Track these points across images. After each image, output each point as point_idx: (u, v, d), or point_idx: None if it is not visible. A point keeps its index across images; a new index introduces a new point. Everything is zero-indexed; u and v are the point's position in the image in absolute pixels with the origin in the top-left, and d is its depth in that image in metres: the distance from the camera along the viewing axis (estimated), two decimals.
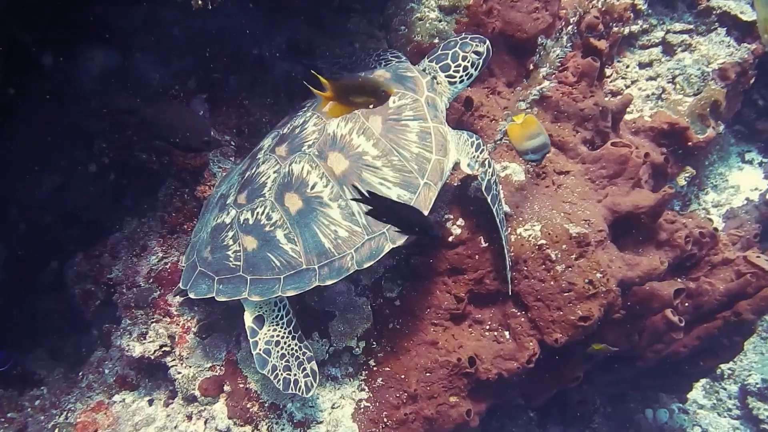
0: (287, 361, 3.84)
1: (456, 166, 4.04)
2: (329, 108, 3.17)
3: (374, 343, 4.34)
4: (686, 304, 5.24)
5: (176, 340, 4.37)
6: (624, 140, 4.84)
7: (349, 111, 3.28)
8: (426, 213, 3.72)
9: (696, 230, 5.18)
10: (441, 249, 4.34)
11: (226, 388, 4.22)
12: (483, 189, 3.96)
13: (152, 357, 4.36)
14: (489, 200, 3.95)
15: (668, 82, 5.89)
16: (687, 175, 5.73)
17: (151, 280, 4.67)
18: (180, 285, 3.99)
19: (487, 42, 4.14)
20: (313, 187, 3.72)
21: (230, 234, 3.85)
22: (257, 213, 3.79)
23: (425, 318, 4.38)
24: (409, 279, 4.42)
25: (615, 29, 4.80)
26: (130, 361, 4.48)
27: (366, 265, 3.69)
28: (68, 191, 5.25)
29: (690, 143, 5.45)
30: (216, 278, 3.82)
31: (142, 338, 4.40)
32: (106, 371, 4.78)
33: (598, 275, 4.18)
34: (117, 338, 4.48)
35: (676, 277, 5.33)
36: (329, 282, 3.69)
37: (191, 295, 3.88)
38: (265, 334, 3.85)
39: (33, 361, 5.65)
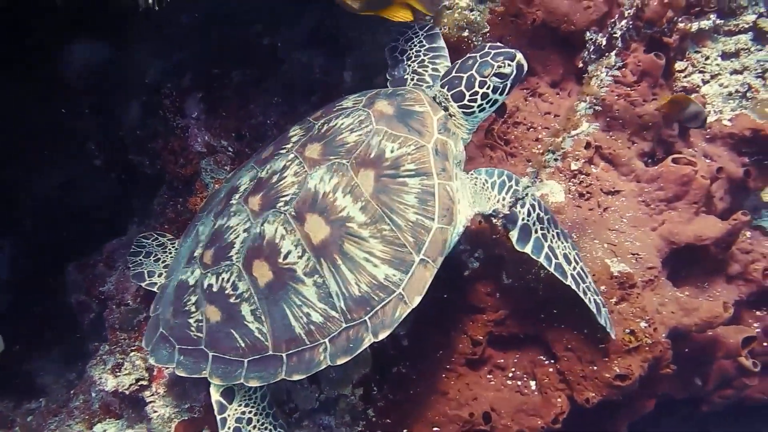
0: None
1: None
2: None
3: (375, 389, 3.92)
4: (764, 344, 4.62)
5: (154, 373, 4.09)
6: (687, 155, 4.18)
7: None
8: (419, 299, 3.17)
9: None
10: (457, 283, 3.86)
11: None
12: (515, 239, 3.36)
13: (127, 392, 4.10)
14: (530, 248, 3.37)
15: (757, 77, 5.10)
16: None
17: (138, 300, 4.46)
18: (143, 343, 3.62)
19: (518, 58, 3.39)
20: (285, 257, 3.20)
21: (193, 299, 3.45)
22: (222, 279, 3.34)
23: (436, 362, 3.94)
24: (420, 315, 3.95)
25: (681, 25, 4.07)
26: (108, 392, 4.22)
27: (339, 362, 3.17)
28: (72, 189, 5.06)
29: None
30: (177, 347, 3.43)
31: (116, 370, 4.16)
32: (93, 394, 4.56)
33: (643, 324, 3.65)
34: (91, 368, 4.26)
35: (755, 309, 4.69)
36: (297, 377, 3.21)
37: (152, 362, 3.51)
38: (235, 410, 3.43)
39: (47, 363, 5.56)
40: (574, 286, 3.38)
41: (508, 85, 3.42)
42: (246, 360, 3.26)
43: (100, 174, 4.75)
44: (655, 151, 4.30)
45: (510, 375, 3.96)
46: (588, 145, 4.09)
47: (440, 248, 3.20)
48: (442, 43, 4.04)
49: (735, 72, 5.14)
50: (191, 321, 3.42)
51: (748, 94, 5.02)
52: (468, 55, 3.47)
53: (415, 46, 4.06)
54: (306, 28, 4.62)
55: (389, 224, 3.14)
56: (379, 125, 3.31)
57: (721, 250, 4.18)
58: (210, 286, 3.36)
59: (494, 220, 3.41)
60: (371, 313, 3.15)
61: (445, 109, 3.47)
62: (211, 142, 4.29)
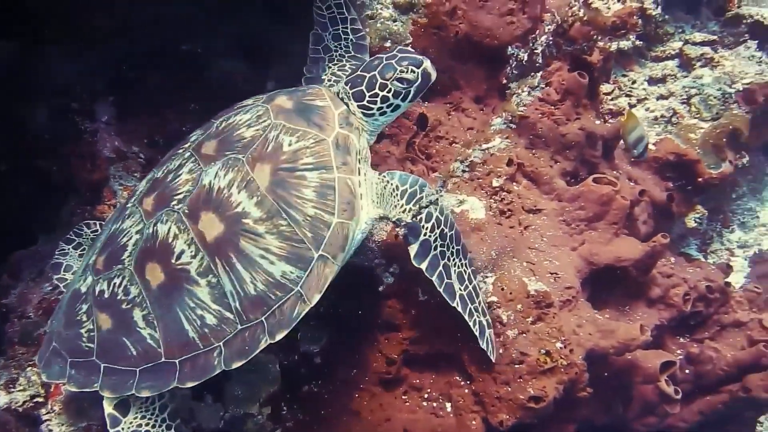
0: None
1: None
2: None
3: (284, 408, 3.75)
4: (687, 371, 4.59)
5: (51, 390, 3.83)
6: (610, 175, 4.14)
7: None
8: (318, 297, 3.03)
9: (702, 283, 4.51)
10: (372, 299, 3.72)
11: None
12: (413, 254, 3.25)
13: (20, 409, 3.83)
14: (425, 265, 3.27)
15: (682, 103, 5.15)
16: (698, 215, 5.00)
17: (40, 312, 4.18)
18: (36, 359, 3.42)
19: (425, 65, 3.29)
20: (178, 257, 3.03)
21: (84, 307, 3.26)
22: (114, 284, 3.16)
23: (349, 381, 3.80)
24: (335, 332, 3.81)
25: (601, 43, 4.06)
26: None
27: (234, 365, 3.03)
28: None
29: (700, 179, 4.71)
30: (69, 360, 3.23)
31: (10, 385, 3.88)
32: None
33: (558, 345, 3.56)
34: None
35: (679, 336, 4.66)
36: (190, 384, 3.05)
37: (44, 378, 3.32)
38: (131, 423, 3.21)
39: None
40: (460, 308, 3.34)
41: (411, 92, 3.33)
42: (138, 369, 3.08)
43: (6, 180, 4.50)
44: (578, 171, 4.26)
45: (426, 396, 3.82)
46: (510, 162, 4.02)
47: (341, 244, 3.07)
48: (367, 57, 3.95)
49: (661, 97, 5.20)
50: (83, 331, 3.22)
51: (673, 119, 5.07)
52: (377, 55, 3.39)
53: (341, 48, 3.99)
54: (229, 36, 4.51)
55: (286, 219, 3.00)
56: (278, 119, 3.17)
57: (641, 272, 4.14)
58: (101, 292, 3.18)
59: (398, 230, 3.30)
60: (268, 313, 3.01)
61: (347, 106, 3.36)
62: (122, 147, 4.12)
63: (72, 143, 4.14)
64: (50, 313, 4.10)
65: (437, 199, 3.25)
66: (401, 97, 3.32)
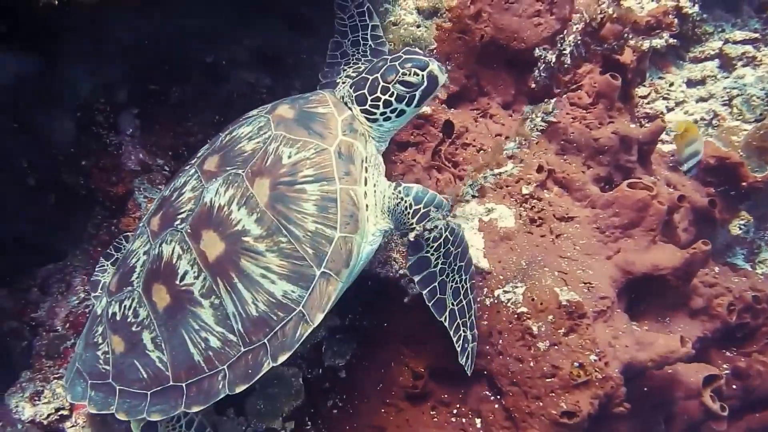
0: None
1: None
2: None
3: (309, 423, 3.66)
4: (734, 386, 4.36)
5: (75, 403, 3.79)
6: (646, 180, 3.96)
7: None
8: (321, 316, 2.89)
9: (749, 293, 4.29)
10: (397, 311, 3.62)
11: None
12: (408, 265, 3.19)
13: (45, 422, 3.84)
14: (418, 279, 3.18)
15: (723, 105, 4.94)
16: (742, 221, 4.77)
17: (67, 325, 4.20)
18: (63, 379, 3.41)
19: (430, 68, 3.07)
20: (182, 278, 2.95)
21: (100, 330, 3.22)
22: (124, 307, 3.11)
23: (375, 396, 3.70)
24: (360, 345, 3.71)
25: (632, 42, 3.90)
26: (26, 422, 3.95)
27: (238, 389, 2.91)
28: (3, 211, 4.81)
29: (744, 183, 4.49)
30: (89, 382, 3.19)
31: (35, 398, 3.90)
32: (19, 426, 4.26)
33: (592, 357, 3.40)
34: (10, 396, 3.98)
35: (724, 349, 4.44)
36: (195, 409, 2.96)
37: (69, 399, 3.28)
38: None
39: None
40: (447, 324, 3.25)
41: (417, 96, 3.12)
42: (149, 392, 3.01)
43: (33, 194, 4.51)
44: (612, 177, 4.11)
45: (454, 411, 3.70)
46: (540, 169, 3.89)
47: (345, 259, 2.91)
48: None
49: (701, 99, 5.00)
50: (99, 353, 3.18)
51: (714, 122, 4.87)
52: (382, 56, 3.26)
53: (358, 53, 3.89)
54: (252, 48, 4.45)
55: (286, 236, 2.86)
56: (278, 130, 3.03)
57: (681, 281, 3.94)
58: (114, 314, 3.13)
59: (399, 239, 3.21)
60: (270, 335, 2.87)
61: (351, 110, 3.20)
62: (146, 160, 4.09)
63: (97, 156, 4.12)
64: (77, 327, 4.16)
65: (447, 222, 3.11)
66: (405, 101, 3.12)
